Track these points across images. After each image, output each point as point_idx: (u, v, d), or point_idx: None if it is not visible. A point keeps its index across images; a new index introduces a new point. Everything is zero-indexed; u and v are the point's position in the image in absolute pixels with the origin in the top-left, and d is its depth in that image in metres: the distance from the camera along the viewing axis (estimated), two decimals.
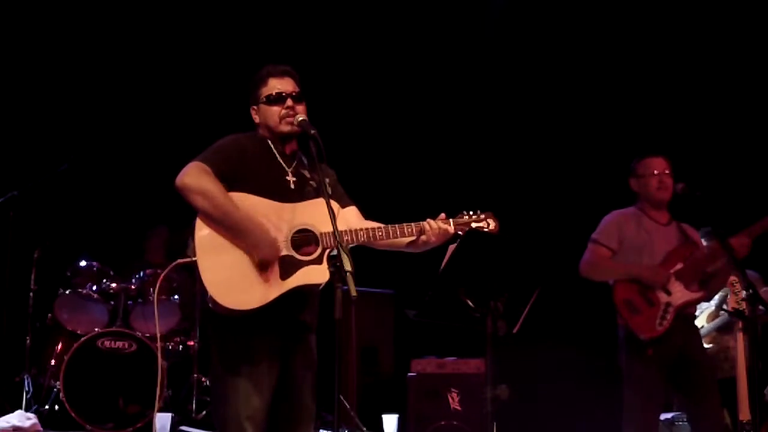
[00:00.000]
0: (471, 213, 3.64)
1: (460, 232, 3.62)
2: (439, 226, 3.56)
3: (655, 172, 4.87)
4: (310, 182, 3.61)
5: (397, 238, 3.55)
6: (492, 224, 3.64)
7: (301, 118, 3.55)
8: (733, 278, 4.97)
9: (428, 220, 3.57)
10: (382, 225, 3.57)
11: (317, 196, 3.54)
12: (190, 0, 7.51)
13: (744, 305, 4.78)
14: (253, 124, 3.72)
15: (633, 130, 7.24)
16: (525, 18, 7.66)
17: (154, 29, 7.45)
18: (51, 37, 7.32)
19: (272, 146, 3.62)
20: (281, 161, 3.61)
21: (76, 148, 6.56)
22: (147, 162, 7.37)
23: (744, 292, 4.76)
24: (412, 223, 3.55)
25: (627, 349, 4.72)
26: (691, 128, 7.28)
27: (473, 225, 3.61)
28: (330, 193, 3.55)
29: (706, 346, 5.70)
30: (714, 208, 4.76)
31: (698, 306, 5.77)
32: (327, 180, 3.61)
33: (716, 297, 5.74)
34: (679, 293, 4.72)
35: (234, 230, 3.39)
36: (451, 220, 3.61)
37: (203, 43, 7.51)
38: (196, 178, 3.41)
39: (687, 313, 4.81)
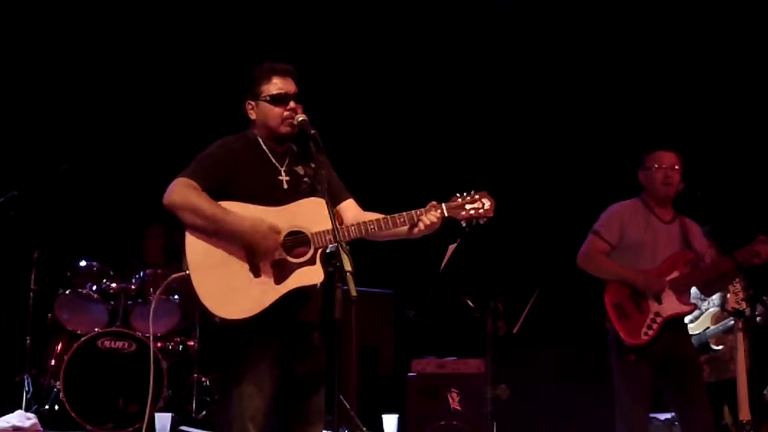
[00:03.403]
0: (464, 194, 3.52)
1: (458, 219, 3.51)
2: (429, 214, 3.48)
3: (663, 166, 4.79)
4: (305, 179, 3.58)
5: (390, 229, 3.50)
6: (487, 203, 3.50)
7: (301, 118, 3.52)
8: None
9: (419, 210, 3.50)
10: (374, 218, 3.52)
11: (312, 194, 3.53)
12: (189, 1, 7.51)
13: (744, 305, 4.78)
14: (243, 119, 3.66)
15: (634, 129, 7.23)
16: (527, 9, 7.64)
17: (154, 30, 7.45)
18: (51, 37, 7.32)
19: (264, 146, 3.59)
20: (273, 161, 3.58)
21: (76, 148, 6.56)
22: (146, 162, 7.37)
23: (744, 292, 4.77)
24: (404, 213, 3.50)
25: (616, 348, 4.71)
26: (693, 125, 7.26)
27: (467, 207, 3.49)
28: (320, 189, 3.51)
29: (714, 347, 5.69)
30: (714, 208, 4.76)
31: (699, 307, 5.76)
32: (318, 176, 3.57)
33: (715, 297, 5.73)
34: (670, 304, 4.68)
35: (229, 234, 3.37)
36: (443, 204, 3.52)
37: (202, 43, 7.51)
38: (181, 195, 3.39)
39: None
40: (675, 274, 4.73)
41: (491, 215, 3.50)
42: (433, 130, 7.82)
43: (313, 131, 3.48)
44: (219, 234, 3.38)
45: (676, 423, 5.35)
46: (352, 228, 3.48)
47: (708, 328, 5.75)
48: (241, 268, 3.39)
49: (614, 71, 7.55)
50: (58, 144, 7.16)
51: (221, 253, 3.39)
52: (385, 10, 7.59)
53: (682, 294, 4.73)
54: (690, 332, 5.76)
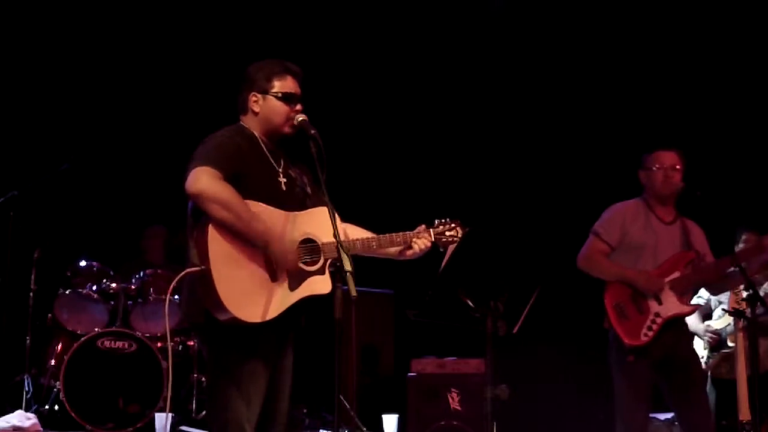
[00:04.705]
0: (444, 221, 3.76)
1: (438, 245, 3.75)
2: (422, 237, 3.68)
3: (663, 166, 4.77)
4: (297, 183, 3.59)
5: (386, 247, 3.63)
6: (460, 232, 3.77)
7: (301, 118, 3.52)
8: None
9: (410, 232, 3.68)
10: (372, 235, 3.63)
11: (305, 198, 3.56)
12: (189, 1, 7.51)
13: (744, 305, 4.78)
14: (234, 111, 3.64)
15: (634, 128, 7.23)
16: (525, 10, 7.65)
17: (153, 29, 7.45)
18: (51, 36, 7.32)
19: (261, 142, 3.56)
20: (271, 160, 3.55)
21: (76, 148, 6.56)
22: (146, 162, 7.38)
23: (744, 293, 4.77)
24: (399, 234, 3.65)
25: (616, 348, 4.71)
26: (694, 125, 7.26)
27: (447, 233, 3.74)
28: (309, 193, 3.58)
29: (730, 344, 5.68)
30: (714, 208, 4.76)
31: (726, 302, 5.75)
32: (305, 179, 3.62)
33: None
34: (671, 305, 4.66)
35: (255, 240, 3.33)
36: (431, 230, 3.73)
37: (202, 43, 7.51)
38: (212, 186, 3.28)
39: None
40: (675, 275, 4.72)
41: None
42: (431, 131, 7.82)
43: (313, 131, 3.47)
44: (244, 235, 3.32)
45: (676, 423, 5.35)
46: (357, 243, 3.55)
47: (729, 324, 5.73)
48: (260, 270, 3.37)
49: (615, 71, 7.55)
50: (58, 144, 7.16)
51: (243, 252, 3.34)
52: (375, 14, 7.60)
53: (683, 295, 4.73)
54: (714, 327, 5.77)
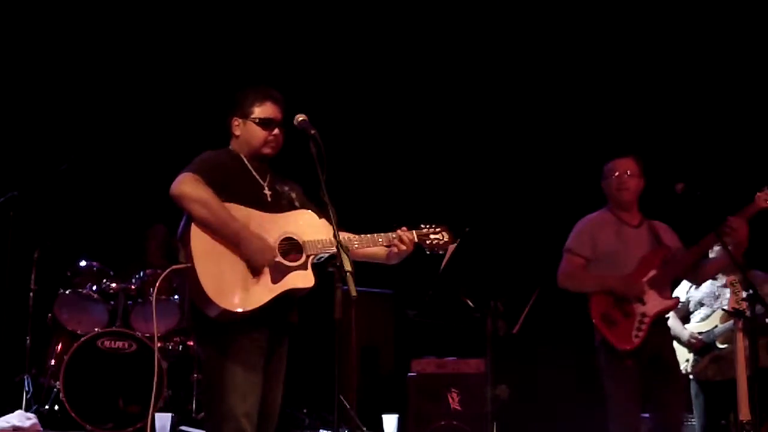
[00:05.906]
0: (429, 226, 3.81)
1: (423, 247, 3.79)
2: (407, 236, 3.72)
3: (617, 173, 4.89)
4: (284, 197, 3.75)
5: (369, 248, 3.72)
6: (446, 236, 3.81)
7: (301, 118, 3.61)
8: (732, 278, 4.96)
9: (397, 231, 3.74)
10: (356, 236, 3.72)
11: (291, 209, 3.71)
12: (190, 2, 7.51)
13: (744, 305, 4.79)
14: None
15: (633, 130, 7.23)
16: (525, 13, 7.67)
17: (154, 30, 7.45)
18: (51, 36, 7.32)
19: (246, 162, 3.75)
20: (256, 176, 3.74)
21: (76, 148, 6.56)
22: (147, 162, 7.36)
23: (744, 292, 4.77)
24: (382, 234, 3.74)
25: (604, 351, 4.75)
26: (690, 128, 7.27)
27: (431, 236, 3.78)
28: (297, 207, 3.74)
29: (720, 346, 5.68)
30: (714, 208, 4.76)
31: (708, 305, 5.75)
32: (294, 195, 3.77)
33: (727, 296, 5.69)
34: (654, 302, 4.72)
35: (230, 239, 3.51)
36: (414, 231, 3.77)
37: (202, 44, 7.51)
38: (193, 186, 3.51)
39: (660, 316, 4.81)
40: (652, 273, 4.78)
41: (447, 247, 3.86)
42: (431, 134, 7.81)
43: (313, 131, 3.55)
44: (221, 233, 3.52)
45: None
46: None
47: (716, 326, 5.72)
48: (242, 264, 3.53)
49: (613, 80, 7.55)
50: (58, 144, 7.16)
51: (224, 247, 3.52)
52: (375, 15, 7.61)
53: (663, 290, 4.79)
54: (698, 330, 5.77)
